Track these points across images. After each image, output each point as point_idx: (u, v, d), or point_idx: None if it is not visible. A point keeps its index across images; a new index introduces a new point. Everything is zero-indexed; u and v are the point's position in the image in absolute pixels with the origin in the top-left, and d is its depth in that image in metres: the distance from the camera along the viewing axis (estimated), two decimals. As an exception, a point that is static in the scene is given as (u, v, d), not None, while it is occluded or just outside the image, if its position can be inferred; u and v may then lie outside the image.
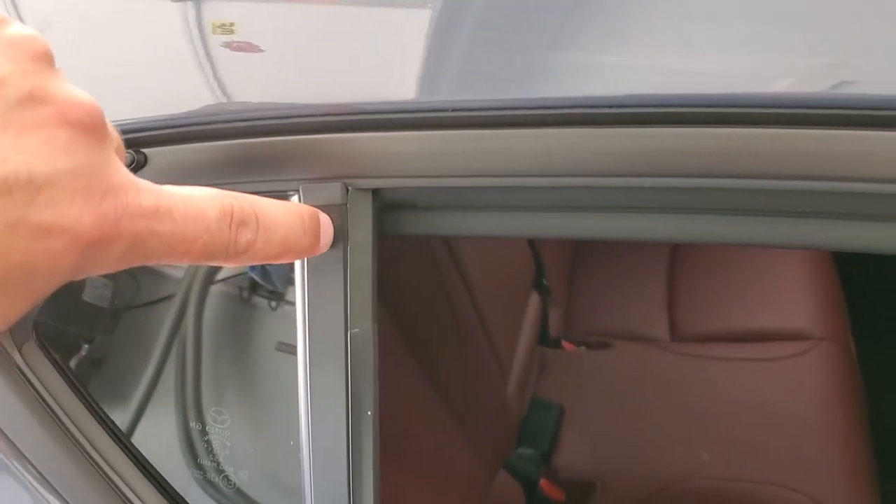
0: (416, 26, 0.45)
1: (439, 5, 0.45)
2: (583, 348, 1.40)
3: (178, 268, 1.00)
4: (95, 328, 0.68)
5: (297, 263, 0.40)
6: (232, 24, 0.49)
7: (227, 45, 0.46)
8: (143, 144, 0.40)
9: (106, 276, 1.01)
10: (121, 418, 0.64)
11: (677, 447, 1.19)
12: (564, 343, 1.41)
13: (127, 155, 0.39)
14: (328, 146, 0.38)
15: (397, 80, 0.43)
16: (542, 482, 1.19)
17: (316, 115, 0.37)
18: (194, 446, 0.77)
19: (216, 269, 0.61)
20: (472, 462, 1.11)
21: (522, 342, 1.28)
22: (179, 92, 0.44)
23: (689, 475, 1.15)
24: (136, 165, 0.40)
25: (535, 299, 1.36)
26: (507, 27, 0.43)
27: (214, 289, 0.62)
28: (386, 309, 0.93)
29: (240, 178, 0.39)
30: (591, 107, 0.37)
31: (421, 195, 0.39)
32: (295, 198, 0.39)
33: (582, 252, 1.54)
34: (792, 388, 1.23)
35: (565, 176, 0.38)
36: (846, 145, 0.35)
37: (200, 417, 0.65)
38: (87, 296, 0.66)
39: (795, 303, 1.33)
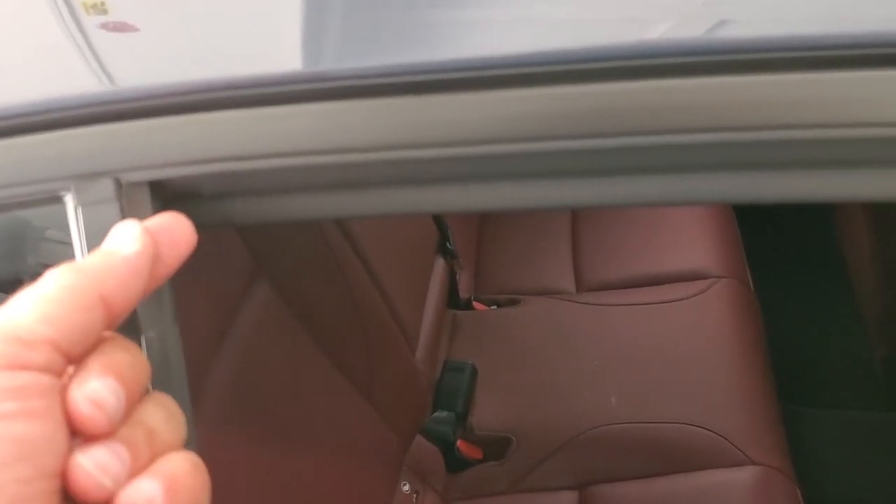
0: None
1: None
2: (493, 307, 1.41)
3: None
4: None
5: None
6: (103, 3, 0.46)
7: (103, 25, 0.44)
8: None
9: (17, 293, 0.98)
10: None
11: (587, 394, 1.22)
12: (475, 304, 1.41)
13: None
14: (97, 139, 0.36)
15: (268, 52, 0.41)
16: (459, 443, 1.21)
17: (79, 107, 0.35)
18: None
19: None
20: (385, 433, 1.11)
21: (430, 307, 1.28)
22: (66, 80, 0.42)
23: (600, 421, 1.18)
24: None
25: (440, 264, 1.36)
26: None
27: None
28: (277, 290, 0.91)
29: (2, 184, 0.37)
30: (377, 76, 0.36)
31: (204, 183, 0.38)
32: (68, 197, 0.37)
33: (487, 213, 1.55)
34: (694, 327, 1.26)
35: (372, 151, 0.37)
36: (739, 93, 0.34)
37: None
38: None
39: (693, 245, 1.36)
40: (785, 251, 1.53)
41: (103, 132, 0.36)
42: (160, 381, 0.37)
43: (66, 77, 0.42)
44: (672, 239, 1.39)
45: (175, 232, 0.31)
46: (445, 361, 1.30)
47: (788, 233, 1.52)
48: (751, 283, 1.35)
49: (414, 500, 1.13)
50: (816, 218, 1.52)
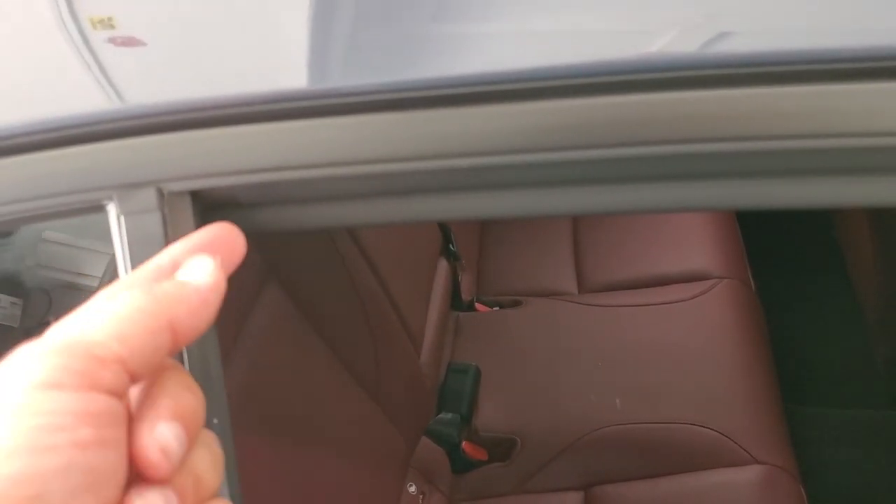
0: (294, 12, 0.44)
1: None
2: (496, 309, 1.41)
3: (92, 280, 0.97)
4: (5, 349, 0.66)
5: (122, 273, 0.39)
6: (111, 19, 0.46)
7: (112, 40, 0.45)
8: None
9: (15, 294, 0.97)
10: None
11: (591, 395, 1.22)
12: (478, 305, 1.42)
13: None
14: (139, 150, 0.37)
15: (278, 67, 0.42)
16: (464, 444, 1.21)
17: (121, 120, 0.36)
18: None
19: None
20: (391, 434, 1.12)
21: (434, 309, 1.29)
22: (69, 93, 0.42)
23: (604, 422, 1.19)
24: None
25: (443, 266, 1.36)
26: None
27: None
28: (288, 293, 0.92)
29: (43, 194, 0.37)
30: (408, 90, 0.37)
31: (242, 192, 0.39)
32: (111, 206, 0.38)
33: (495, 220, 1.55)
34: (697, 327, 1.27)
35: (381, 162, 0.37)
36: (737, 105, 0.35)
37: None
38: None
39: (695, 245, 1.37)
40: (786, 251, 1.54)
41: (146, 143, 0.36)
42: (199, 383, 0.38)
43: (74, 92, 0.43)
44: (673, 240, 1.40)
45: (230, 243, 0.32)
46: (449, 363, 1.31)
47: (789, 233, 1.53)
48: (752, 283, 1.37)
49: (420, 500, 1.13)
50: (817, 218, 1.54)
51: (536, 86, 0.36)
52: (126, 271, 0.38)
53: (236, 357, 0.80)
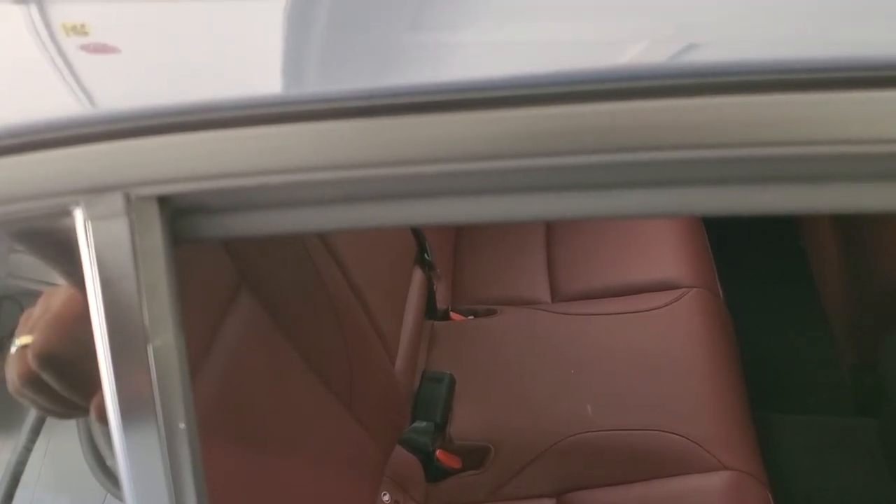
0: (270, 19, 0.45)
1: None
2: (471, 317, 1.42)
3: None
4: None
5: (88, 278, 0.39)
6: (84, 25, 0.47)
7: (84, 47, 0.45)
8: None
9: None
10: (12, 444, 0.63)
11: (563, 403, 1.24)
12: (452, 314, 1.43)
13: None
14: (107, 155, 0.37)
15: (250, 73, 0.42)
16: (438, 453, 1.22)
17: (88, 125, 0.36)
18: (104, 461, 0.76)
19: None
20: (365, 442, 1.12)
21: (408, 318, 1.30)
22: (41, 98, 0.42)
23: (576, 429, 1.20)
24: None
25: (418, 275, 1.37)
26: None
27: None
28: (261, 302, 0.92)
29: (10, 199, 0.37)
30: (369, 97, 0.38)
31: (210, 198, 0.39)
32: (78, 211, 0.38)
33: (467, 225, 1.57)
34: (666, 336, 1.29)
35: (355, 168, 0.38)
36: (707, 113, 0.36)
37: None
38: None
39: (664, 255, 1.39)
40: (753, 262, 1.57)
41: (114, 149, 0.37)
42: (164, 385, 0.38)
43: (46, 97, 0.43)
44: (644, 250, 1.42)
45: None
46: (424, 372, 1.31)
47: (756, 242, 1.56)
48: (720, 291, 1.39)
49: (394, 509, 1.14)
50: (783, 227, 1.56)
51: (504, 94, 0.37)
52: (93, 276, 0.39)
53: (208, 364, 0.80)
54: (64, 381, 0.47)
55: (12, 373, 0.49)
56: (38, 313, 0.48)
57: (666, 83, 0.36)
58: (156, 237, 0.39)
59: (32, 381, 0.49)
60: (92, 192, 0.37)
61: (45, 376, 0.47)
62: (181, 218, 0.40)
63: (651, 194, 0.40)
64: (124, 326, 0.39)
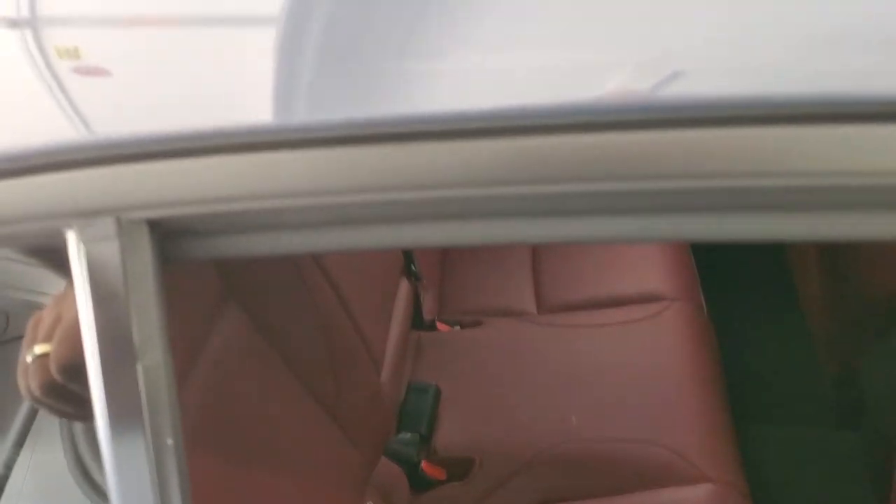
0: (260, 46, 0.46)
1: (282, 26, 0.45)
2: (457, 328, 1.43)
3: (50, 299, 0.97)
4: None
5: (81, 298, 0.40)
6: (77, 49, 0.47)
7: (77, 70, 0.45)
8: None
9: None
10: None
11: (548, 414, 1.24)
12: (439, 324, 1.44)
13: None
14: (99, 180, 0.38)
15: (241, 100, 0.43)
16: (423, 464, 1.22)
17: (82, 150, 0.37)
18: (89, 473, 0.76)
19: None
20: (351, 453, 1.12)
21: (395, 329, 1.30)
22: (35, 122, 0.43)
23: (561, 439, 1.21)
24: None
25: (405, 285, 1.38)
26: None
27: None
28: (247, 313, 0.92)
29: (5, 220, 0.38)
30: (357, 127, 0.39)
31: (198, 222, 0.40)
32: (70, 234, 0.39)
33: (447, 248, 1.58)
34: (650, 347, 1.30)
35: (341, 193, 0.39)
36: (688, 145, 0.37)
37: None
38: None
39: (648, 268, 1.41)
40: (736, 275, 1.58)
41: (106, 174, 0.38)
42: (153, 403, 0.39)
43: (39, 121, 0.44)
44: (629, 262, 1.43)
45: None
46: (409, 383, 1.32)
47: (739, 257, 1.58)
48: (703, 303, 1.40)
49: (379, 520, 1.14)
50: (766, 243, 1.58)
51: (486, 126, 0.38)
52: (86, 297, 0.39)
53: (194, 377, 0.80)
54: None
55: (32, 382, 0.49)
56: (50, 321, 0.47)
57: (649, 116, 0.37)
58: (146, 259, 0.39)
59: (56, 391, 0.48)
60: (84, 216, 0.38)
61: (73, 386, 0.47)
62: (171, 240, 0.40)
63: (634, 221, 0.41)
64: (115, 345, 0.39)
